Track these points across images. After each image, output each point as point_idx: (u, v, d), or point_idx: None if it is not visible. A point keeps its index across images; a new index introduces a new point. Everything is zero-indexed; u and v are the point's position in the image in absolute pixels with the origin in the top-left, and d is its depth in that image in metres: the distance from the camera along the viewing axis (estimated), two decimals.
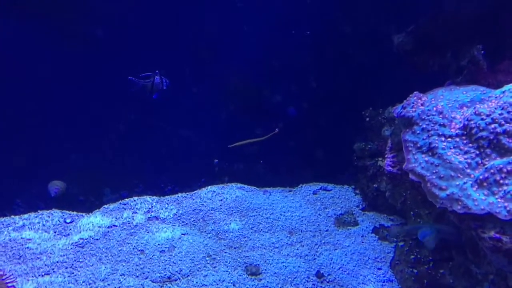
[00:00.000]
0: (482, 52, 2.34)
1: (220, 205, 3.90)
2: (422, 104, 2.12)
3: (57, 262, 3.18)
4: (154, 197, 4.08)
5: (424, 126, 2.06)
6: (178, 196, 4.11)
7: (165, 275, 3.03)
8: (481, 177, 1.86)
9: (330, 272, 3.02)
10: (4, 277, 2.44)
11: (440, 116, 2.04)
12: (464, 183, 1.87)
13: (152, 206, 3.95)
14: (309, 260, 3.17)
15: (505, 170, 1.84)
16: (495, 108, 1.96)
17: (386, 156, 2.44)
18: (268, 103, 4.07)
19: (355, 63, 3.83)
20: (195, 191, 4.13)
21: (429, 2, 2.86)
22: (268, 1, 3.90)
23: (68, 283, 2.93)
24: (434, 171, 1.92)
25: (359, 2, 3.79)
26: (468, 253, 2.60)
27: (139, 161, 4.07)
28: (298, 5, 3.94)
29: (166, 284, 2.96)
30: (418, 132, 2.04)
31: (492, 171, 1.84)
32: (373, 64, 3.73)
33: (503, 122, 1.92)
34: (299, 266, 3.09)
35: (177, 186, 4.12)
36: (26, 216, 3.79)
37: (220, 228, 3.63)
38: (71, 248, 3.35)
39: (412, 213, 2.97)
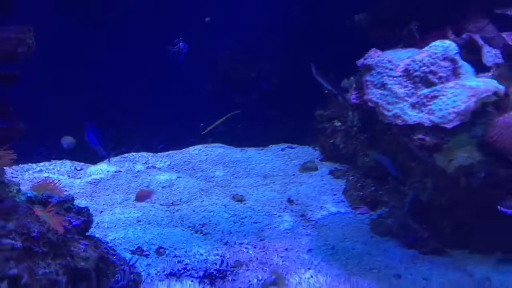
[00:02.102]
0: (416, 27, 3.36)
1: (206, 159, 4.73)
2: (378, 56, 3.06)
3: (78, 193, 3.88)
4: (150, 153, 4.85)
5: (379, 70, 3.00)
6: (170, 153, 4.90)
7: (169, 201, 3.83)
8: (414, 101, 2.82)
9: (298, 198, 3.93)
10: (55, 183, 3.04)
11: (389, 63, 2.99)
12: (403, 106, 2.83)
13: (148, 160, 4.70)
14: (281, 192, 4.07)
15: (429, 96, 2.81)
16: (424, 56, 2.95)
17: (351, 93, 3.33)
18: (246, 78, 4.96)
19: (318, 44, 4.79)
20: (184, 149, 4.94)
21: None
22: None
23: (92, 204, 3.64)
24: (384, 99, 2.86)
25: None
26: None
27: (136, 124, 4.81)
28: None
29: (171, 207, 3.75)
30: (374, 74, 2.98)
31: (421, 97, 2.81)
32: (332, 45, 4.71)
33: (429, 65, 2.90)
34: (274, 196, 3.98)
35: (169, 145, 4.90)
36: (41, 164, 4.42)
37: (207, 175, 4.45)
38: (87, 185, 4.05)
39: (361, 153, 3.97)
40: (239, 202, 3.87)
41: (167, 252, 3.17)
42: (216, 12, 4.74)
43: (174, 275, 2.97)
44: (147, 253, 3.14)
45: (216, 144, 5.02)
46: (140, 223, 3.45)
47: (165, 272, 2.97)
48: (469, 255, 3.14)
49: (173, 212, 3.66)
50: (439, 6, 3.29)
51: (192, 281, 2.92)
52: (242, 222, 3.60)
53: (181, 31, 3.71)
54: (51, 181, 3.29)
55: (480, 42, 3.02)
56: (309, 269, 3.05)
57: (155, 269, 2.97)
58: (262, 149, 5.09)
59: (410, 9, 3.36)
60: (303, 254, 3.22)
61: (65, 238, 2.41)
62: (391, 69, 2.87)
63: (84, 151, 4.40)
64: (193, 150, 4.91)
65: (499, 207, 3.44)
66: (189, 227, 3.48)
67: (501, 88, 2.75)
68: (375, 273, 3.02)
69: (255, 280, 2.94)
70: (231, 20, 4.77)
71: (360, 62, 3.06)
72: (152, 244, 3.21)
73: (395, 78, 2.81)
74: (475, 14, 3.23)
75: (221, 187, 4.20)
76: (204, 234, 3.43)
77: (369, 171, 3.91)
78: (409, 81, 2.82)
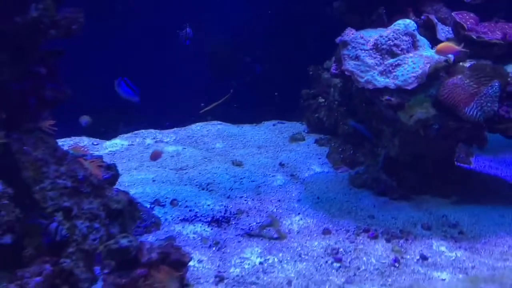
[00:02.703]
0: (384, 11, 3.98)
1: (207, 134, 5.33)
2: (352, 34, 3.66)
3: None
4: (157, 130, 5.44)
5: (353, 45, 3.59)
6: (175, 129, 5.50)
7: (178, 167, 4.44)
8: (382, 69, 3.44)
9: (288, 162, 4.57)
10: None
11: (362, 39, 3.59)
12: (374, 73, 3.44)
13: (156, 136, 5.31)
14: (274, 158, 4.69)
15: (394, 64, 3.42)
16: (389, 32, 3.57)
17: (331, 66, 3.91)
18: (240, 62, 5.57)
19: (303, 31, 5.41)
20: (187, 126, 5.53)
21: None
22: None
23: None
24: (358, 69, 3.46)
25: None
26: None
27: (144, 104, 5.36)
28: None
29: (180, 171, 4.35)
30: (349, 48, 3.58)
31: (387, 65, 3.42)
32: (315, 31, 5.33)
33: (393, 39, 3.51)
34: (267, 161, 4.61)
35: (173, 123, 5.49)
36: (62, 139, 4.97)
37: (209, 146, 5.06)
38: (105, 156, 4.60)
39: (341, 123, 4.60)
40: (238, 166, 4.48)
41: (179, 203, 3.78)
42: (214, 4, 5.32)
43: (187, 220, 3.58)
44: (163, 204, 3.75)
45: (215, 122, 5.63)
46: (155, 182, 4.06)
47: (179, 218, 3.59)
48: (430, 199, 3.81)
49: (182, 175, 4.27)
50: None
51: (202, 224, 3.53)
52: (241, 181, 4.22)
53: (185, 19, 4.27)
54: (81, 145, 3.89)
55: (435, 21, 3.65)
56: (298, 213, 3.68)
57: (171, 216, 3.59)
58: (256, 125, 5.71)
59: None
60: (293, 203, 3.85)
61: (102, 183, 3.01)
62: (363, 44, 3.48)
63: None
64: (195, 126, 5.51)
65: (455, 161, 4.13)
66: (196, 185, 4.10)
67: (450, 56, 3.39)
68: (352, 215, 3.67)
69: (254, 223, 3.56)
70: (228, 12, 5.35)
71: (338, 39, 3.66)
72: (166, 197, 3.82)
73: (366, 51, 3.42)
74: None
75: (221, 156, 4.80)
76: (209, 191, 4.04)
77: (348, 137, 4.55)
78: (377, 53, 3.43)
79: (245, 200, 3.89)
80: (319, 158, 4.59)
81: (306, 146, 4.94)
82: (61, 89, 2.73)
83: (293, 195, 3.97)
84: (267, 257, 3.10)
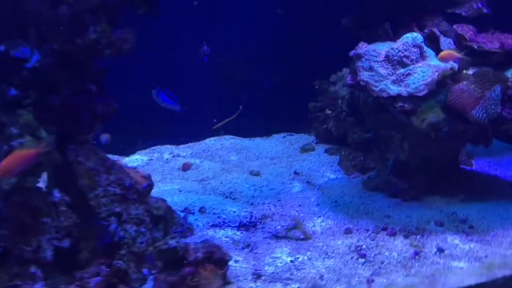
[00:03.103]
0: (389, 26, 4.34)
1: (221, 147, 5.59)
2: (365, 47, 3.99)
3: None
4: (173, 145, 5.68)
5: (367, 57, 3.91)
6: (190, 144, 5.75)
7: (199, 178, 4.70)
8: (394, 79, 3.76)
9: (302, 171, 4.86)
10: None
11: (374, 52, 3.90)
12: (387, 82, 3.75)
13: (173, 151, 5.55)
14: (288, 168, 4.97)
15: (405, 73, 3.73)
16: (399, 45, 3.89)
17: (347, 77, 4.20)
18: (251, 78, 5.89)
19: (310, 46, 5.75)
20: (201, 141, 5.79)
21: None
22: None
23: None
24: (372, 79, 3.76)
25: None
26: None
27: (160, 121, 5.63)
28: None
29: (201, 182, 4.59)
30: (363, 61, 3.90)
31: (399, 75, 3.74)
32: (322, 47, 5.69)
33: (403, 51, 3.83)
34: (282, 171, 4.89)
35: (187, 138, 5.75)
36: None
37: (224, 159, 5.32)
38: None
39: (350, 132, 4.91)
40: (256, 176, 4.75)
41: (207, 211, 4.02)
42: (226, 23, 5.66)
43: (217, 226, 3.82)
44: (192, 211, 3.99)
45: (227, 136, 5.91)
46: (181, 192, 4.31)
47: (209, 224, 3.83)
48: (439, 199, 4.11)
49: (205, 185, 4.52)
50: (405, 10, 4.34)
51: (231, 229, 3.77)
52: (261, 189, 4.48)
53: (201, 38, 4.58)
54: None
55: (438, 33, 4.02)
56: (319, 216, 3.95)
57: (201, 222, 3.83)
58: (266, 138, 6.00)
59: (383, 13, 4.37)
60: (313, 207, 4.12)
61: (144, 190, 3.25)
62: (376, 56, 3.82)
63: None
64: (209, 141, 5.77)
65: (461, 165, 4.46)
66: (220, 194, 4.35)
67: (455, 65, 3.75)
68: (370, 216, 3.95)
69: (279, 226, 3.81)
70: (238, 30, 5.69)
71: (352, 52, 4.00)
72: (194, 205, 4.06)
73: (379, 63, 3.76)
74: (433, 14, 4.28)
75: (238, 167, 5.06)
76: (233, 199, 4.30)
77: (358, 145, 4.87)
78: (389, 64, 3.78)
79: (268, 206, 4.14)
80: (331, 166, 4.89)
81: (317, 155, 5.23)
82: (110, 104, 2.99)
83: (312, 200, 4.24)
84: (297, 256, 3.35)
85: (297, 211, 4.07)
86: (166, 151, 5.55)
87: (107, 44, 2.75)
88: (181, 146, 5.74)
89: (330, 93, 5.52)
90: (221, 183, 4.56)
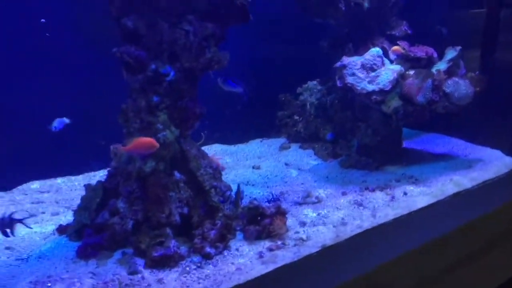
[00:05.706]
0: (351, 45, 6.04)
1: (215, 153, 6.78)
2: (347, 60, 5.59)
3: None
4: None
5: (349, 66, 5.52)
6: None
7: None
8: (369, 80, 5.46)
9: (290, 162, 6.37)
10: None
11: (354, 62, 5.51)
12: (365, 83, 5.45)
13: None
14: (277, 162, 6.44)
15: (375, 76, 5.43)
16: (369, 56, 5.59)
17: (337, 81, 5.70)
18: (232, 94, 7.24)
19: (282, 64, 7.22)
20: None
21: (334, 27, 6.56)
22: None
23: None
24: (355, 81, 5.41)
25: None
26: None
27: None
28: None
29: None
30: (347, 69, 5.48)
31: (372, 77, 5.44)
32: (289, 64, 7.21)
33: (373, 60, 5.55)
34: (275, 164, 6.32)
35: None
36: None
37: (222, 161, 6.53)
38: None
39: (321, 129, 6.57)
40: (258, 169, 6.11)
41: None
42: None
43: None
44: None
45: (216, 144, 7.17)
46: None
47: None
48: (392, 167, 5.94)
49: (226, 178, 5.73)
50: (360, 34, 6.15)
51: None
52: (268, 177, 5.88)
53: None
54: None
55: (387, 48, 5.90)
56: (320, 188, 5.48)
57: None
58: (247, 143, 7.38)
59: (347, 37, 6.18)
60: (313, 183, 5.64)
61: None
62: (355, 65, 5.53)
63: None
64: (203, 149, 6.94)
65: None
66: (241, 183, 5.61)
67: (402, 69, 5.63)
68: (353, 183, 5.60)
69: (296, 197, 5.25)
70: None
71: (338, 64, 5.64)
72: None
73: (358, 69, 5.47)
74: (379, 35, 6.11)
75: (238, 165, 6.36)
76: (252, 185, 5.61)
77: (326, 139, 6.55)
78: (364, 70, 5.50)
79: (280, 187, 5.55)
80: (310, 156, 6.49)
81: (295, 151, 6.79)
82: (202, 106, 4.22)
83: (309, 179, 5.76)
84: (319, 211, 4.83)
85: (302, 187, 5.56)
86: None
87: (217, 61, 4.01)
88: None
89: (295, 103, 7.16)
90: (236, 176, 5.84)
